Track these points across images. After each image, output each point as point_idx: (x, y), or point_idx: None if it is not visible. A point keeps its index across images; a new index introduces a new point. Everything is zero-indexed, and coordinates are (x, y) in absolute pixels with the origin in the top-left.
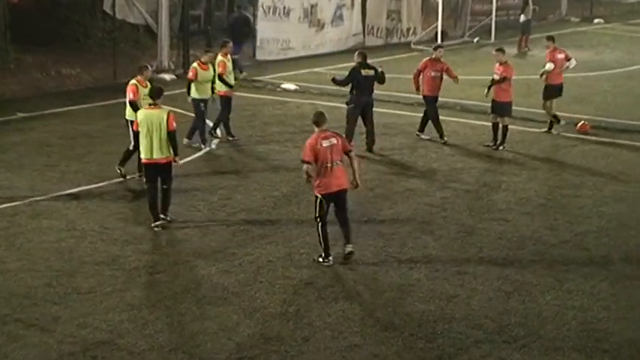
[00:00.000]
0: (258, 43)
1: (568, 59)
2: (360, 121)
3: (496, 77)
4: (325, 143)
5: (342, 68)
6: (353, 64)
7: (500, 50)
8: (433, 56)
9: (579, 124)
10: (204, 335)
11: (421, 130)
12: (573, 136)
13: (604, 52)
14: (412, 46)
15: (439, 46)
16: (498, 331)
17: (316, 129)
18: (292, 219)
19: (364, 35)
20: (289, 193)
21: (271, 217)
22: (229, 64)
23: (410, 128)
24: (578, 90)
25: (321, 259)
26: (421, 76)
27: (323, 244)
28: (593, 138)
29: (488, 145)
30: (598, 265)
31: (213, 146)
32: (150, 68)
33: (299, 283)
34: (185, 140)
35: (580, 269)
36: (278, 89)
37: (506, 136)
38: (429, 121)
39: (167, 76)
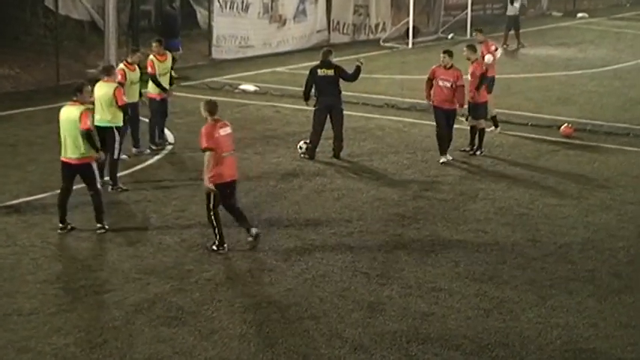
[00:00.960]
0: (214, 41)
1: (495, 49)
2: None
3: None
4: (223, 132)
5: (305, 67)
6: (318, 62)
7: (471, 47)
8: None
9: (562, 127)
10: None
11: (472, 145)
12: (556, 139)
13: (588, 49)
14: (381, 43)
15: (445, 52)
16: (477, 351)
17: (209, 118)
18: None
19: (329, 32)
20: (249, 204)
21: (230, 229)
22: (166, 64)
23: (379, 132)
24: (562, 90)
25: (215, 247)
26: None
27: (218, 234)
28: (578, 142)
29: (464, 150)
30: (584, 279)
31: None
32: (140, 52)
33: (260, 301)
34: (133, 150)
35: (564, 284)
36: (236, 91)
37: (482, 140)
38: (477, 134)
39: None
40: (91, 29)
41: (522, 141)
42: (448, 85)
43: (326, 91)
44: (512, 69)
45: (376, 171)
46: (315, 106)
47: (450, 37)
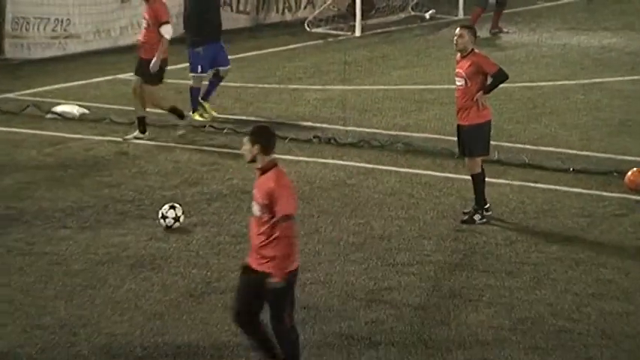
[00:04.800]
0: (8, 27)
1: None
2: None
3: (459, 83)
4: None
5: (175, 72)
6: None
7: (470, 30)
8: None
9: (629, 175)
10: None
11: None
12: (619, 195)
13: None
14: (307, 28)
15: (462, 27)
16: None
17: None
18: None
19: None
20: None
21: None
22: None
23: (305, 187)
24: (623, 109)
25: None
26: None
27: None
28: None
29: (465, 215)
30: None
31: None
32: None
33: None
34: None
35: None
36: (48, 116)
37: (483, 191)
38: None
39: None
40: None
41: (560, 198)
42: (460, 83)
43: None
44: (534, 72)
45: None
46: None
47: (428, 15)
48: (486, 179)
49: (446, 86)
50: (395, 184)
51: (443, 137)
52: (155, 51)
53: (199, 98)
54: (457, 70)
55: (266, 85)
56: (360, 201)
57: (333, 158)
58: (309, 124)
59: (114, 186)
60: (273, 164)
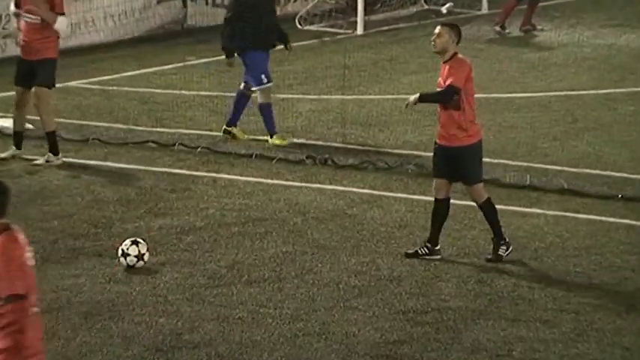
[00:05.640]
0: None
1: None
2: None
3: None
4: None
5: (128, 80)
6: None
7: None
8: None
9: None
10: None
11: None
12: None
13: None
14: (300, 25)
15: (443, 26)
16: None
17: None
18: None
19: (185, 2)
20: None
21: None
22: None
23: (296, 218)
24: None
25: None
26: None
27: None
28: None
29: (488, 260)
30: None
31: None
32: None
33: None
34: None
35: None
36: None
37: (498, 223)
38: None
39: None
40: None
41: (606, 231)
42: None
43: None
44: (574, 78)
45: (284, 313)
46: None
47: (444, 9)
48: (517, 209)
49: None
50: (405, 214)
51: None
52: (47, 49)
53: (229, 125)
54: (438, 80)
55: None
56: (364, 235)
57: (330, 183)
58: (302, 141)
59: (64, 217)
60: (2, 228)
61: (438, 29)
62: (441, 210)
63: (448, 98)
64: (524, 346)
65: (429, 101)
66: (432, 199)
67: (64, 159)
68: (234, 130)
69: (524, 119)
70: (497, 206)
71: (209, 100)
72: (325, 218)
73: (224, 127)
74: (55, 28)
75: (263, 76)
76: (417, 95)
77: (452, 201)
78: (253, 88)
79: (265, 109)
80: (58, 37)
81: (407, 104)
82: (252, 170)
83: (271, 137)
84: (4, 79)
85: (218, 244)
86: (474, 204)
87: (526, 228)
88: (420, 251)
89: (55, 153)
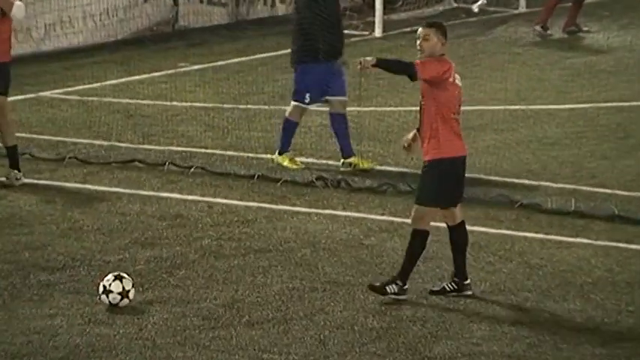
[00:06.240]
0: None
1: None
2: None
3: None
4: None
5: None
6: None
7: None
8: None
9: None
10: None
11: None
12: None
13: None
14: None
15: (427, 26)
16: None
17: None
18: None
19: (176, 1)
20: None
21: None
22: None
23: (305, 249)
24: None
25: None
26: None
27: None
28: None
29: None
30: None
31: None
32: None
33: None
34: None
35: None
36: None
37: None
38: None
39: None
40: None
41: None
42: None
43: None
44: (625, 87)
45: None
46: None
47: (476, 7)
48: (561, 238)
49: (502, 107)
50: (431, 244)
51: (498, 179)
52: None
53: (346, 157)
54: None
55: (250, 106)
56: (383, 269)
57: (344, 209)
58: (311, 160)
59: (37, 248)
60: None
61: (422, 31)
62: (452, 236)
63: (402, 69)
64: None
65: (383, 67)
66: None
67: (37, 180)
68: (353, 159)
69: (569, 134)
70: (538, 235)
71: (204, 112)
72: (338, 249)
73: (342, 160)
74: (12, 15)
75: (307, 94)
76: (375, 59)
77: (485, 229)
78: (293, 102)
79: (291, 126)
80: (9, 38)
81: (360, 66)
82: (254, 194)
83: (280, 154)
84: None
85: (214, 280)
86: (510, 233)
87: (571, 261)
88: (447, 287)
89: (19, 170)
